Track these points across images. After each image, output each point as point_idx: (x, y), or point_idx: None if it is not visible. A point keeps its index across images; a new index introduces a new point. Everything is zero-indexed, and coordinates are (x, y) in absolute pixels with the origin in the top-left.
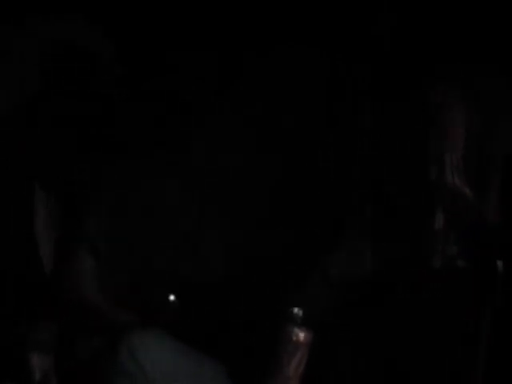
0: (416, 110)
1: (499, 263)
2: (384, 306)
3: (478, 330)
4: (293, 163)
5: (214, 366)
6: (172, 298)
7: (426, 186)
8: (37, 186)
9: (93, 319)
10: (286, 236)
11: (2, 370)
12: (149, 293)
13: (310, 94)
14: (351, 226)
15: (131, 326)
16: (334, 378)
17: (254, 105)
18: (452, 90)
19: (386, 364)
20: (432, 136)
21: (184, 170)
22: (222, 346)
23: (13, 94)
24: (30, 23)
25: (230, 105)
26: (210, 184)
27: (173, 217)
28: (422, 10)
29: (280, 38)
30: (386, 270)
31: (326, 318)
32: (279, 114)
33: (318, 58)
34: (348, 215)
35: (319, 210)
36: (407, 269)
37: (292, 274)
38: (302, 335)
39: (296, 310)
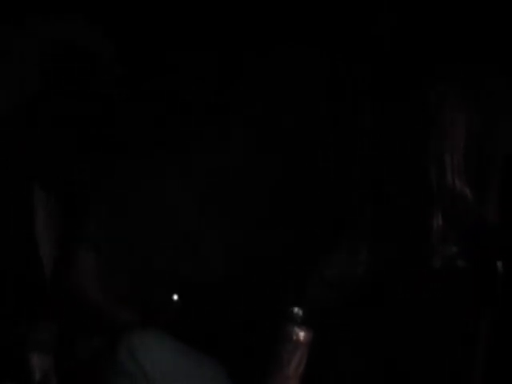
0: (416, 110)
1: (499, 264)
2: (384, 305)
3: (478, 330)
4: (293, 163)
5: (213, 366)
6: (176, 297)
7: (426, 187)
8: (37, 186)
9: (93, 319)
10: (285, 236)
11: (2, 370)
12: (149, 293)
13: (310, 94)
14: (351, 226)
15: (131, 326)
16: (334, 378)
17: (254, 105)
18: (452, 90)
19: (386, 364)
20: (432, 136)
21: (184, 169)
22: (222, 346)
23: (13, 94)
24: (30, 23)
25: (230, 105)
26: (210, 184)
27: (173, 217)
28: (422, 10)
29: (280, 37)
30: (386, 270)
31: (326, 317)
32: (279, 114)
33: (318, 58)
34: (348, 215)
35: (319, 210)
36: (407, 269)
37: (292, 274)
38: (302, 334)
39: (296, 309)
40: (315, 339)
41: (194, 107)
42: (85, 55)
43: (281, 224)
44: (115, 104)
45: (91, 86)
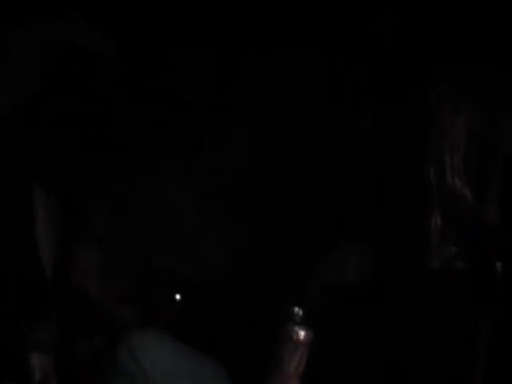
0: (416, 110)
1: (498, 264)
2: (384, 306)
3: (478, 330)
4: (293, 163)
5: (213, 366)
6: (178, 297)
7: (426, 187)
8: (37, 186)
9: (93, 319)
10: (285, 236)
11: (2, 370)
12: (149, 293)
13: (310, 94)
14: (351, 226)
15: (131, 326)
16: (333, 378)
17: (254, 105)
18: (452, 90)
19: (386, 364)
20: (432, 136)
21: (184, 169)
22: (222, 346)
23: (13, 94)
24: (30, 23)
25: (230, 105)
26: (210, 184)
27: (173, 217)
28: (422, 10)
29: (280, 37)
30: (386, 270)
31: (326, 317)
32: (279, 114)
33: (318, 58)
34: (348, 215)
35: (319, 210)
36: (407, 269)
37: (292, 274)
38: (302, 334)
39: (296, 309)
40: (315, 339)
41: (194, 107)
42: (85, 55)
43: (281, 224)
44: (115, 104)
45: (91, 86)
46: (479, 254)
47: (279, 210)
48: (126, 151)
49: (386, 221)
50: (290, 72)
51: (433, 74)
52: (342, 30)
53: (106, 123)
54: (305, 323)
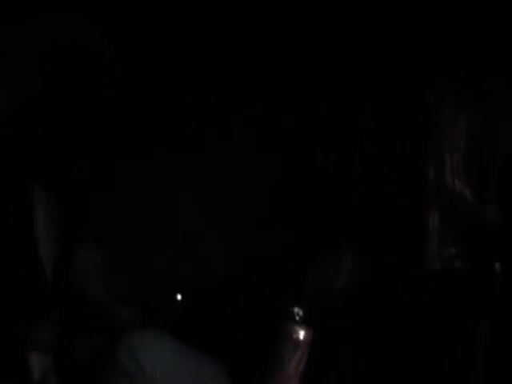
0: (416, 110)
1: (497, 265)
2: (384, 306)
3: (477, 330)
4: (293, 163)
5: (213, 366)
6: (179, 297)
7: (426, 187)
8: (37, 186)
9: (93, 319)
10: (285, 236)
11: (2, 370)
12: (149, 293)
13: (310, 94)
14: (351, 226)
15: (131, 326)
16: (333, 378)
17: (254, 105)
18: (452, 89)
19: (386, 364)
20: (432, 136)
21: (184, 170)
22: (222, 346)
23: (13, 94)
24: (30, 23)
25: (230, 105)
26: (210, 184)
27: (173, 217)
28: (422, 10)
29: (280, 37)
30: (385, 271)
31: (326, 317)
32: (279, 114)
33: (318, 58)
34: (348, 215)
35: (319, 210)
36: (406, 269)
37: (292, 274)
38: (302, 333)
39: (296, 309)
40: (315, 339)
41: (194, 107)
42: (85, 55)
43: (281, 224)
44: (115, 104)
45: (91, 86)
46: (479, 254)
47: (279, 210)
48: (126, 151)
49: (385, 221)
50: (289, 72)
51: (433, 73)
52: (341, 30)
53: (106, 123)
54: (305, 323)
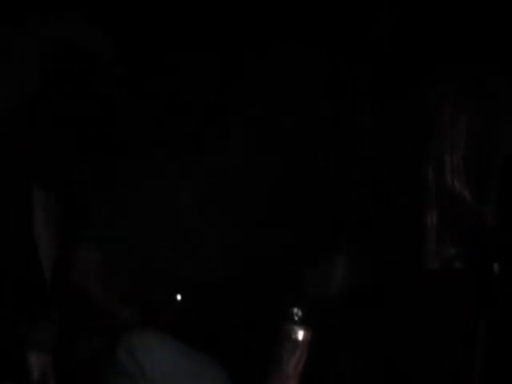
0: (416, 110)
1: (495, 266)
2: (383, 306)
3: (477, 330)
4: (293, 163)
5: (213, 366)
6: (179, 297)
7: (426, 187)
8: (37, 186)
9: (93, 319)
10: (285, 236)
11: (2, 370)
12: (149, 293)
13: (310, 93)
14: (351, 226)
15: (131, 326)
16: (333, 378)
17: (253, 105)
18: (452, 89)
19: (386, 364)
20: (432, 136)
21: (184, 170)
22: (222, 346)
23: (13, 94)
24: (30, 23)
25: (230, 105)
26: (210, 184)
27: (173, 217)
28: (422, 10)
29: (280, 37)
30: (385, 271)
31: (326, 317)
32: (279, 114)
33: (318, 58)
34: (347, 215)
35: (319, 210)
36: (406, 269)
37: (292, 274)
38: (301, 333)
39: (295, 309)
40: (315, 339)
41: (194, 107)
42: (85, 55)
43: (280, 224)
44: (115, 104)
45: (91, 86)
46: (478, 254)
47: (279, 211)
48: (126, 151)
49: (385, 221)
50: (290, 72)
51: (433, 73)
52: (342, 30)
53: (106, 123)
54: (304, 323)
